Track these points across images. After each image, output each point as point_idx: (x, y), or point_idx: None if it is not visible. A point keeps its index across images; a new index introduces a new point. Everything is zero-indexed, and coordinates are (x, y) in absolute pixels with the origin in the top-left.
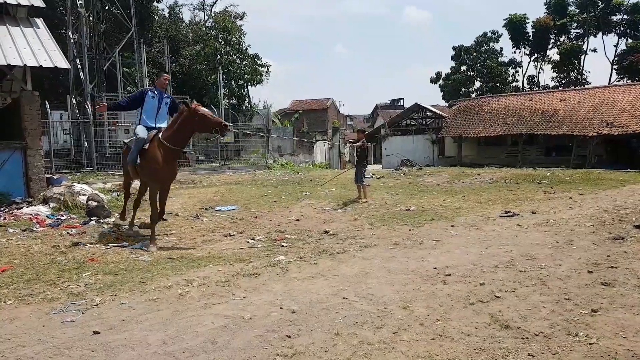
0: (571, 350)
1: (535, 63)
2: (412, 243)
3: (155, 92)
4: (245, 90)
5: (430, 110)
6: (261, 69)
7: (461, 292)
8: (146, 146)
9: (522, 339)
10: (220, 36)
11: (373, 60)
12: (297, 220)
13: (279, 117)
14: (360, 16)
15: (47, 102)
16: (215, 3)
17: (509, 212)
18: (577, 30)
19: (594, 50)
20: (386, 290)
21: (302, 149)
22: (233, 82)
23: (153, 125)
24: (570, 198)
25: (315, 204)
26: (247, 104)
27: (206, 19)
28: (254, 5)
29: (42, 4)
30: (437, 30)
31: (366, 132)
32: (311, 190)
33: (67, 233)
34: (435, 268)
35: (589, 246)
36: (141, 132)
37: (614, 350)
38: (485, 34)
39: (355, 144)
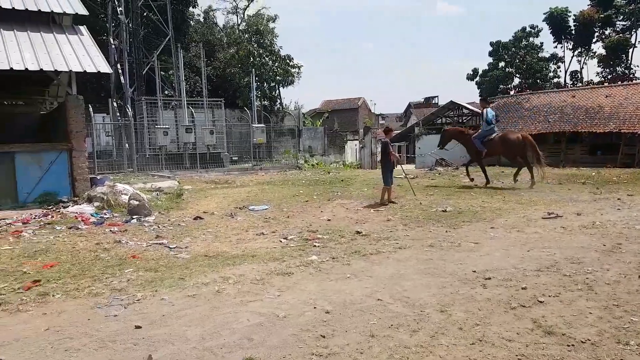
0: (621, 359)
1: (579, 58)
2: (449, 245)
3: None
4: (277, 91)
5: (467, 108)
6: (292, 69)
7: (502, 297)
8: None
9: (568, 346)
10: (253, 39)
11: (404, 57)
12: (329, 220)
13: (310, 118)
14: (389, 11)
15: (90, 106)
16: (247, 6)
17: (552, 213)
18: (624, 23)
19: None
20: (422, 293)
21: (333, 148)
22: (265, 84)
23: None
24: (618, 199)
25: (347, 204)
26: (278, 105)
27: (239, 23)
28: (280, 5)
29: (85, 12)
30: (471, 25)
31: (398, 132)
32: (342, 190)
33: (110, 231)
34: (474, 271)
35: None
36: None
37: None
38: (524, 28)
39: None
